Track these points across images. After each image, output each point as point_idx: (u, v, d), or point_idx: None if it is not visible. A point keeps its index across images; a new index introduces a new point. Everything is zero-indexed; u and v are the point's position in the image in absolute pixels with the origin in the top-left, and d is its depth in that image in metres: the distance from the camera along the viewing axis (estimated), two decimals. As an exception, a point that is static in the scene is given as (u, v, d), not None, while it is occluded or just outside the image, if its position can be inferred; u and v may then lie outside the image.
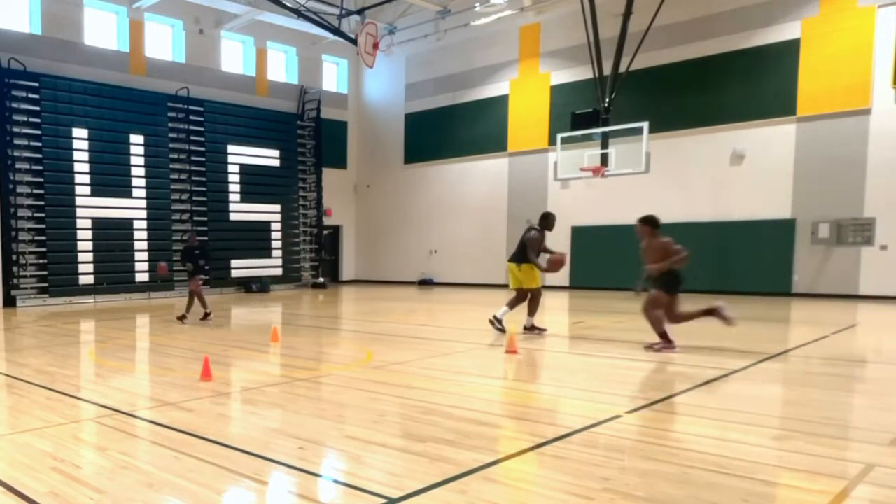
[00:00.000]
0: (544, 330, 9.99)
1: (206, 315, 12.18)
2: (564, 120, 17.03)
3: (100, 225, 17.87)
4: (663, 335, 8.14)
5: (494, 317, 10.04)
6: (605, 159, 15.41)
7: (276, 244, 22.02)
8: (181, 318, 12.00)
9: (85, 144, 17.63)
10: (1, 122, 16.32)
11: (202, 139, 20.06)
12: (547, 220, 9.98)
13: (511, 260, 10.14)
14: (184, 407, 5.53)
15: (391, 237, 24.11)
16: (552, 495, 3.47)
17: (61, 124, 17.24)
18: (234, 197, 20.83)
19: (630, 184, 16.79)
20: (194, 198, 19.95)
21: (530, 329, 9.93)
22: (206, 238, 19.06)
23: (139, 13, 18.95)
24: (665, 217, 17.41)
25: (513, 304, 10.07)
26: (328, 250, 24.49)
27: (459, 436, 4.55)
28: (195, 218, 19.96)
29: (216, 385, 6.44)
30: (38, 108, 16.90)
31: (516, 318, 10.06)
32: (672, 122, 17.14)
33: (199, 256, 12.14)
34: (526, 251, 9.84)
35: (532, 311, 9.98)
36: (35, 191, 17.03)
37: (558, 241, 19.98)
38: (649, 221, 8.30)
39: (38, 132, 16.95)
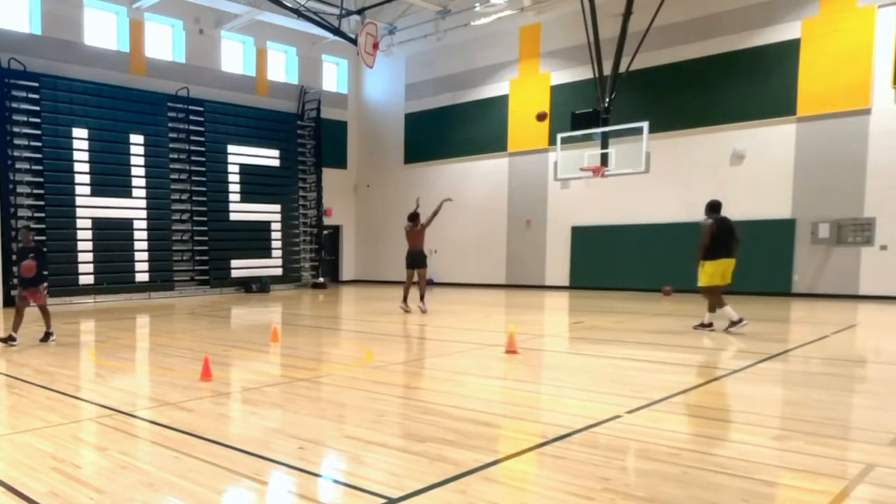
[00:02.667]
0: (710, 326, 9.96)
1: (47, 336, 9.68)
2: (564, 120, 17.01)
3: (100, 225, 17.86)
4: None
5: (732, 322, 9.62)
6: (605, 159, 15.39)
7: (276, 244, 22.01)
8: (46, 336, 9.65)
9: (85, 144, 17.61)
10: (1, 122, 16.31)
11: (202, 139, 20.05)
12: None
13: (731, 255, 9.73)
14: (184, 407, 5.53)
15: (391, 237, 24.05)
16: (552, 495, 3.47)
17: (61, 124, 17.22)
18: (234, 197, 20.82)
19: (630, 184, 16.80)
20: (194, 198, 19.95)
21: (708, 325, 9.92)
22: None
23: (139, 13, 18.94)
24: (665, 217, 17.65)
25: (720, 303, 9.75)
26: (328, 250, 24.48)
27: (459, 436, 4.55)
28: (195, 218, 19.98)
29: (216, 385, 6.44)
30: (38, 108, 16.88)
31: (517, 318, 10.04)
32: (672, 122, 17.13)
33: (35, 260, 9.32)
34: (735, 243, 9.60)
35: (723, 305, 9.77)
36: (35, 191, 17.01)
37: (558, 241, 20.08)
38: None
39: (38, 132, 16.93)
